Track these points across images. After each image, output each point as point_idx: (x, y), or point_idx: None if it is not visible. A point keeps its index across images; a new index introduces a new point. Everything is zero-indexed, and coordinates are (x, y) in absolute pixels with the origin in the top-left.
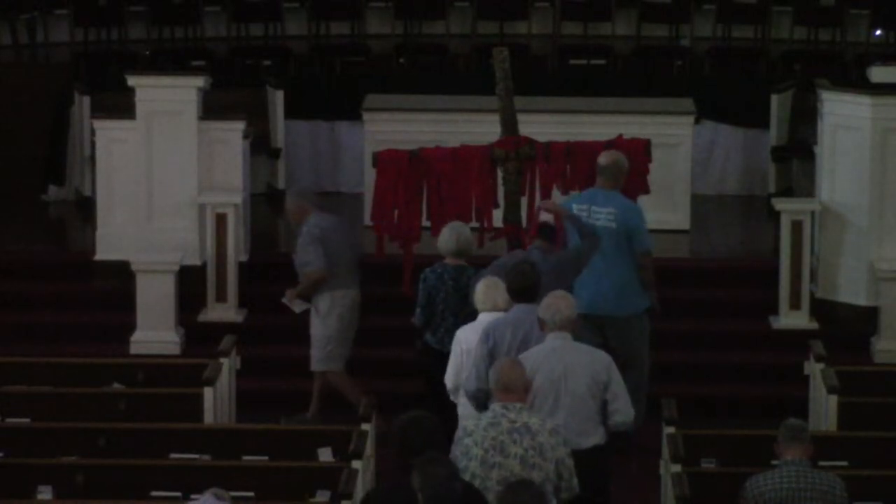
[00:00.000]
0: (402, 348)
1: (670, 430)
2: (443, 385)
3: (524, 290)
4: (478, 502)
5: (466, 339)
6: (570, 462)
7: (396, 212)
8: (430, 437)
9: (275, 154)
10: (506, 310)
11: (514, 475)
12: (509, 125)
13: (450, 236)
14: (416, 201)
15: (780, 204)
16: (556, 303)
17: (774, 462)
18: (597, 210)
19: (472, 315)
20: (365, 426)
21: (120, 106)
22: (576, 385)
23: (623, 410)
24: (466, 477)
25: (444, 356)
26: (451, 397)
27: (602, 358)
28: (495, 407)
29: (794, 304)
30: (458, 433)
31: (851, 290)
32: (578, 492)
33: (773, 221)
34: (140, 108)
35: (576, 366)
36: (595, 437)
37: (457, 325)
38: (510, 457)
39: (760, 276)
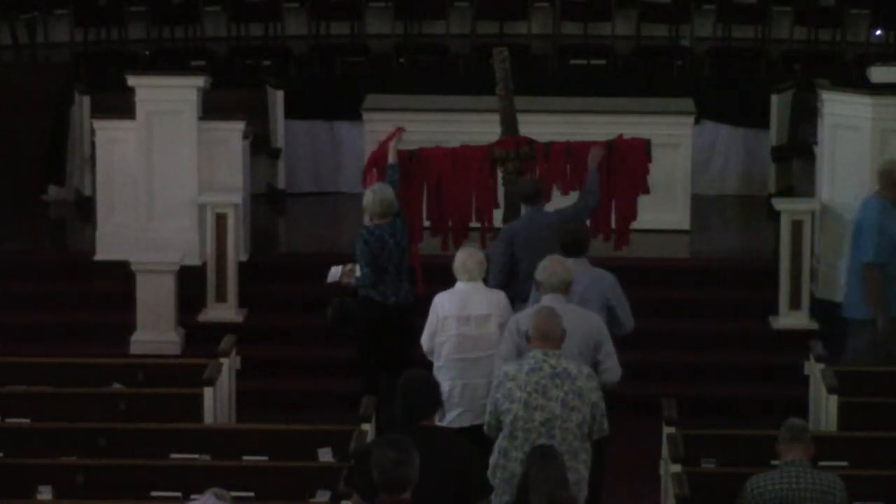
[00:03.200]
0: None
1: (670, 430)
2: (381, 336)
3: (572, 244)
4: (470, 454)
5: (443, 304)
6: (602, 405)
7: None
8: (430, 396)
9: (275, 154)
10: (479, 278)
11: (555, 416)
12: (509, 125)
13: (373, 199)
14: (416, 201)
15: (780, 204)
16: (553, 266)
17: (775, 462)
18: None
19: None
20: (365, 426)
21: (120, 106)
22: (568, 343)
23: (613, 369)
24: (509, 418)
25: (385, 308)
26: (429, 357)
27: (594, 320)
28: (536, 353)
29: (794, 304)
30: (499, 377)
31: None
32: (608, 433)
33: (773, 221)
34: (140, 108)
35: (569, 325)
36: None
37: (398, 278)
38: (552, 399)
39: (760, 276)
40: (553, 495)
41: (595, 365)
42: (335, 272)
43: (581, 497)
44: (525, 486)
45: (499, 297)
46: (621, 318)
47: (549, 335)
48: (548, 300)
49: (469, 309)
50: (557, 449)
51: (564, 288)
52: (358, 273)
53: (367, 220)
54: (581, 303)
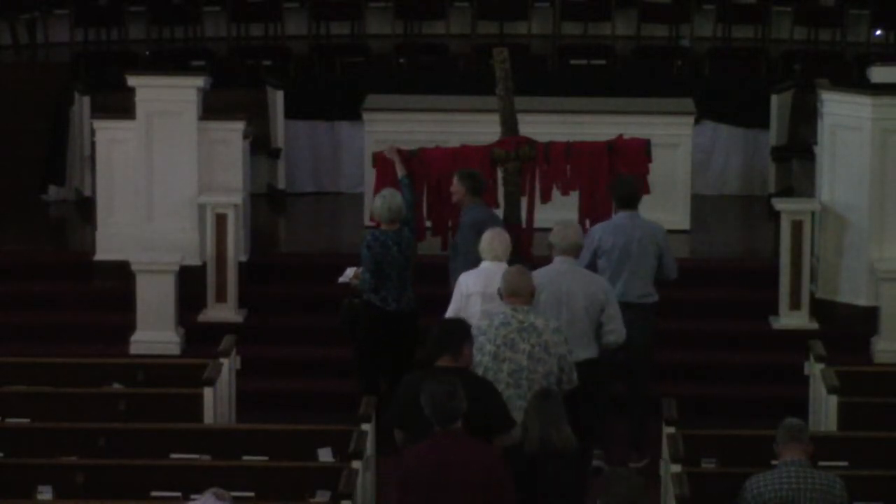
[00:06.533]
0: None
1: (670, 430)
2: (377, 342)
3: (627, 197)
4: (489, 391)
5: (467, 283)
6: (570, 358)
7: None
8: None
9: (275, 154)
10: (504, 259)
11: (521, 368)
12: (509, 125)
13: (382, 204)
14: (416, 201)
15: (780, 204)
16: (565, 230)
17: (774, 462)
18: None
19: None
20: (365, 426)
21: (120, 106)
22: (574, 303)
23: (617, 331)
24: (479, 371)
25: (386, 314)
26: None
27: (600, 283)
28: (505, 309)
29: (794, 304)
30: (472, 332)
31: (851, 290)
32: (577, 384)
33: (773, 221)
34: (140, 108)
35: (576, 287)
36: (589, 352)
37: (401, 285)
38: (519, 352)
39: (760, 276)
40: (544, 433)
41: (599, 326)
42: (348, 273)
43: None
44: (524, 426)
45: None
46: (666, 267)
47: (519, 291)
48: (558, 262)
49: (493, 287)
50: (524, 398)
51: (574, 251)
52: None
53: (367, 220)
54: (640, 251)
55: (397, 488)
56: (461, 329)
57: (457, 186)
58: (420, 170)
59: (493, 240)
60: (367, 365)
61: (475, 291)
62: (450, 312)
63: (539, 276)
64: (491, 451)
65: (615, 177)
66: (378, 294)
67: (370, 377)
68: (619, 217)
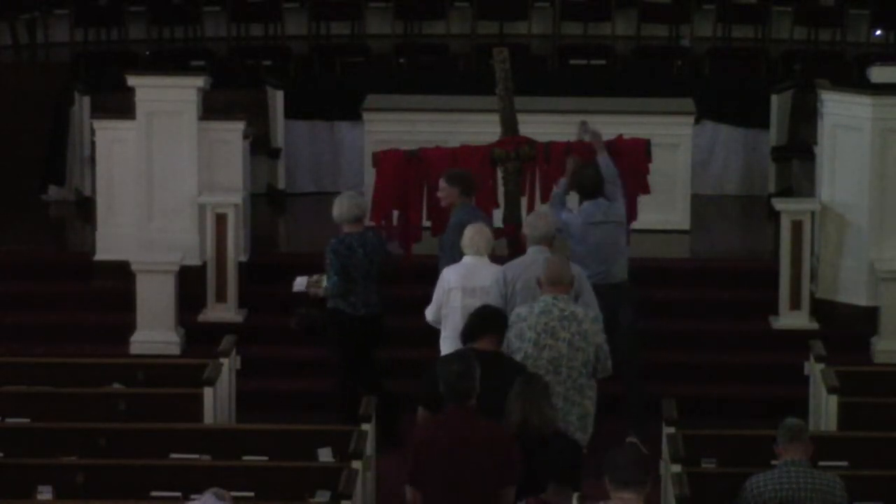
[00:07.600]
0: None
1: (670, 430)
2: (352, 348)
3: (588, 188)
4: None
5: (449, 278)
6: (606, 347)
7: (396, 212)
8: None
9: (275, 154)
10: (486, 253)
11: (561, 356)
12: (509, 125)
13: (346, 206)
14: (416, 201)
15: (780, 204)
16: (537, 221)
17: (774, 462)
18: None
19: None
20: (365, 426)
21: (120, 106)
22: None
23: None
24: (520, 357)
25: (355, 320)
26: (435, 325)
27: (574, 269)
28: (546, 298)
29: (794, 304)
30: (512, 319)
31: (851, 290)
32: (611, 373)
33: (773, 221)
34: (140, 108)
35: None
36: None
37: (367, 288)
38: (559, 340)
39: (760, 276)
40: (526, 415)
41: None
42: (301, 282)
43: (588, 432)
44: (507, 408)
45: (502, 271)
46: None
47: (560, 280)
48: (532, 251)
49: (474, 281)
50: (564, 385)
51: (548, 241)
52: (325, 283)
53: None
54: (612, 236)
55: (410, 463)
56: (504, 317)
57: (447, 189)
58: (420, 170)
59: (475, 235)
60: (344, 369)
61: (456, 286)
62: (431, 307)
63: (513, 266)
64: (502, 430)
65: (576, 168)
66: (346, 300)
67: (349, 382)
68: (588, 206)
